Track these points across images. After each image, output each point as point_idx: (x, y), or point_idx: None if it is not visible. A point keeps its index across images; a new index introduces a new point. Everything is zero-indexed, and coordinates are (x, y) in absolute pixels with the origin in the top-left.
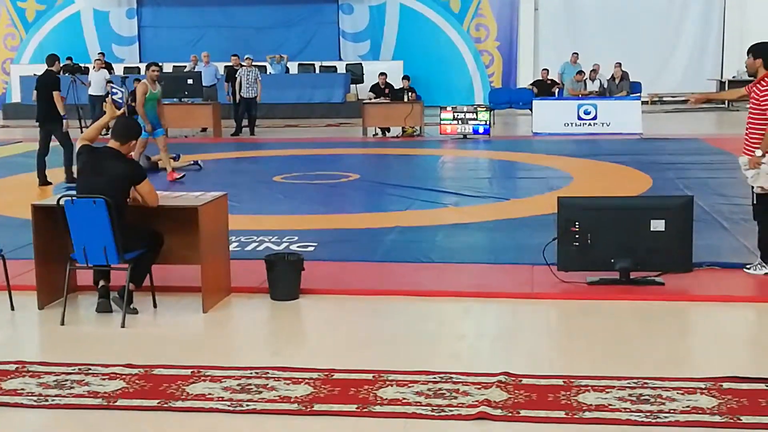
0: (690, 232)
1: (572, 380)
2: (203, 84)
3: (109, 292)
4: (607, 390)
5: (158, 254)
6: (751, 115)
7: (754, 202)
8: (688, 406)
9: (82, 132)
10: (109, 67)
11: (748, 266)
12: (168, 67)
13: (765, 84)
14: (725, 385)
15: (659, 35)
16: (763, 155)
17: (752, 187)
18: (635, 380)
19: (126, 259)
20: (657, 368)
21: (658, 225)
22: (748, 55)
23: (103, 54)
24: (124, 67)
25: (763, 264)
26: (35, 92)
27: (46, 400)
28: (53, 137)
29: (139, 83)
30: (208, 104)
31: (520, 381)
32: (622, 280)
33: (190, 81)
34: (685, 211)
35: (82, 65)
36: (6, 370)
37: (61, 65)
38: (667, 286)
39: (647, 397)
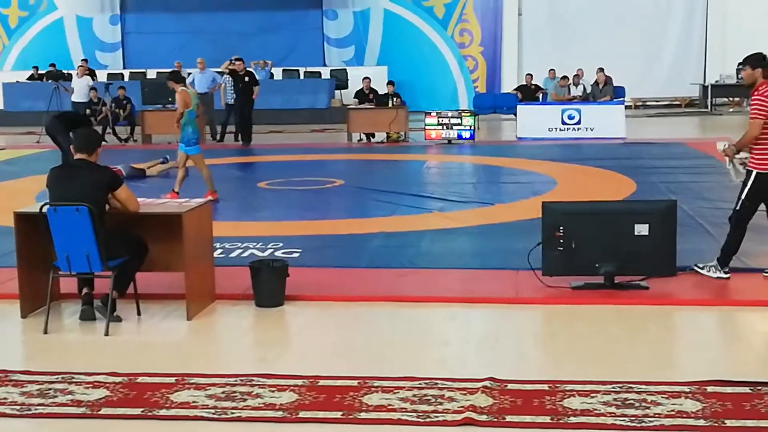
0: (674, 236)
1: (557, 385)
2: (198, 91)
3: (92, 300)
4: (592, 394)
5: (142, 261)
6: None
7: (737, 208)
8: (672, 410)
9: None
10: (92, 74)
11: (700, 265)
12: (152, 74)
13: (757, 93)
14: (710, 388)
15: (642, 40)
16: (735, 152)
17: (740, 193)
18: (620, 384)
19: (110, 266)
20: (642, 372)
21: (642, 229)
22: (744, 66)
23: (86, 60)
24: (108, 74)
25: (718, 267)
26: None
27: (29, 409)
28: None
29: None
30: None
31: (506, 386)
32: (607, 284)
33: None
34: (669, 215)
35: (65, 72)
36: None
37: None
38: (652, 290)
39: (632, 402)
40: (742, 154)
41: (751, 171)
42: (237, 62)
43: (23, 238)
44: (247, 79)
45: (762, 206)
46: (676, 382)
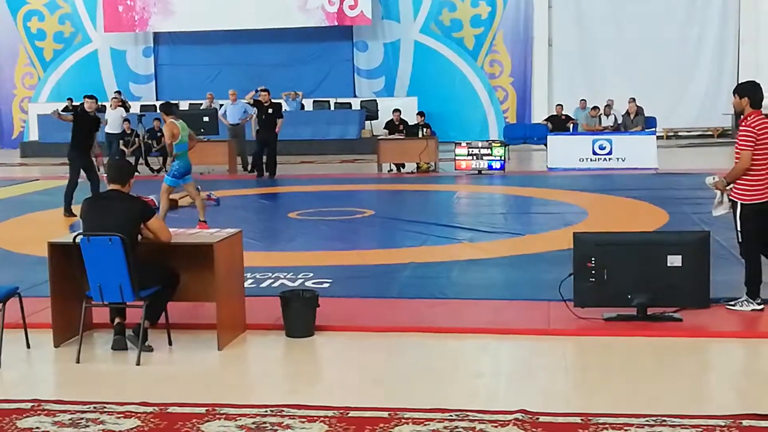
0: (707, 268)
1: (590, 418)
2: (230, 122)
3: (124, 330)
4: (625, 428)
5: (174, 291)
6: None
7: (739, 240)
8: None
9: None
10: (125, 105)
11: (731, 303)
12: (184, 105)
13: (745, 124)
14: (745, 422)
15: (674, 70)
16: (725, 185)
17: (735, 227)
18: (654, 417)
19: (141, 296)
20: (675, 405)
21: (675, 260)
22: (734, 95)
23: (119, 92)
24: (141, 105)
25: (750, 300)
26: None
27: None
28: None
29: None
30: (224, 141)
31: (537, 419)
32: (639, 316)
33: (206, 118)
34: (702, 246)
35: (99, 103)
36: (21, 409)
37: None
38: (685, 322)
39: None
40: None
41: (736, 202)
42: (262, 93)
43: (57, 268)
44: (271, 110)
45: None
46: (710, 416)
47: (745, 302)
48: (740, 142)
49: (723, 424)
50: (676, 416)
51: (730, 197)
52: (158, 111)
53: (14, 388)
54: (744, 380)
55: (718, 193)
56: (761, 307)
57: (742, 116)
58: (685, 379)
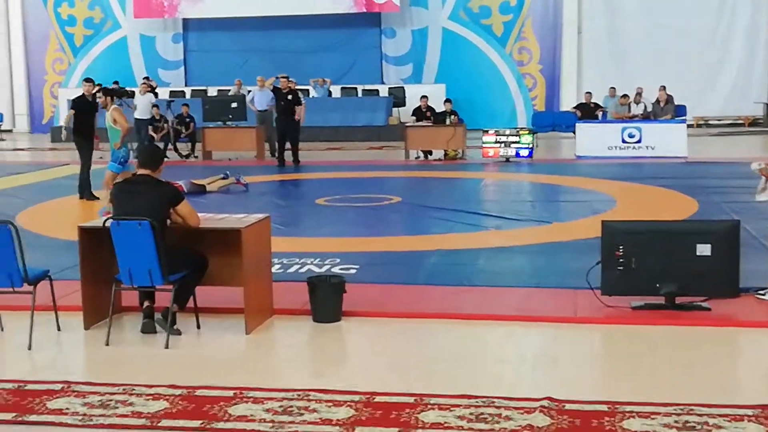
0: (737, 257)
1: (616, 406)
2: (258, 108)
3: (153, 313)
4: (652, 416)
5: (202, 276)
6: None
7: None
8: None
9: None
10: (154, 91)
11: (761, 292)
12: (213, 91)
13: None
14: None
15: (704, 58)
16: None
17: None
18: (681, 407)
19: (170, 280)
20: (703, 394)
21: (704, 249)
22: None
23: (148, 78)
24: (170, 91)
25: None
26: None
27: (91, 420)
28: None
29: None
30: (252, 128)
31: (564, 406)
32: (668, 305)
33: (234, 104)
34: (732, 235)
35: (128, 89)
36: (52, 390)
37: (104, 88)
38: (714, 311)
39: (693, 425)
40: None
41: None
42: (282, 79)
43: (87, 252)
44: (290, 97)
45: None
46: (738, 405)
47: None
48: None
49: (751, 413)
50: (703, 405)
51: None
52: (101, 94)
53: (45, 369)
54: None
55: (763, 178)
56: None
57: None
58: (713, 369)
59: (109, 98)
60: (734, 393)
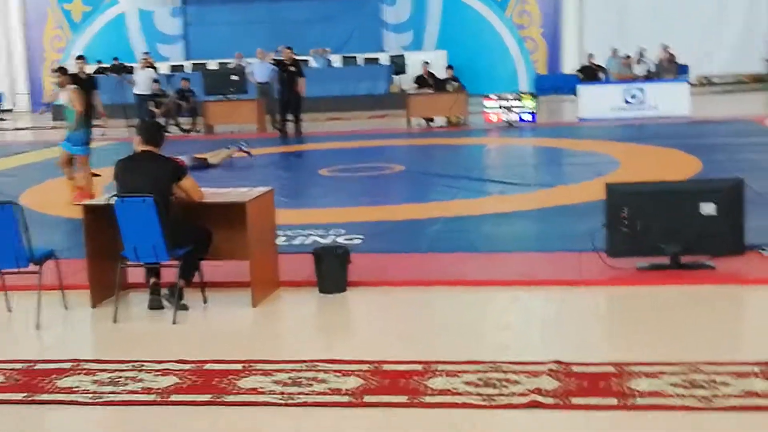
0: (741, 215)
1: (624, 367)
2: (258, 80)
3: (160, 289)
4: (659, 375)
5: (207, 250)
6: None
7: None
8: (742, 391)
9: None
10: (153, 66)
11: (765, 247)
12: (213, 64)
13: None
14: None
15: (706, 15)
16: None
17: None
18: (688, 365)
19: (176, 255)
20: (710, 352)
21: (708, 208)
22: None
23: (148, 53)
24: (171, 66)
25: None
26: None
27: (101, 397)
28: None
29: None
30: (253, 100)
31: (571, 369)
32: (673, 265)
33: (234, 77)
34: (736, 193)
35: (128, 65)
36: (61, 368)
37: (61, 67)
38: (719, 269)
39: (701, 382)
40: None
41: None
42: (285, 51)
43: (92, 230)
44: (292, 68)
45: None
46: (745, 362)
47: None
48: None
49: (758, 370)
50: (710, 363)
51: None
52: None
53: (54, 348)
54: None
55: None
56: None
57: None
58: (719, 326)
59: (66, 78)
60: (740, 350)
